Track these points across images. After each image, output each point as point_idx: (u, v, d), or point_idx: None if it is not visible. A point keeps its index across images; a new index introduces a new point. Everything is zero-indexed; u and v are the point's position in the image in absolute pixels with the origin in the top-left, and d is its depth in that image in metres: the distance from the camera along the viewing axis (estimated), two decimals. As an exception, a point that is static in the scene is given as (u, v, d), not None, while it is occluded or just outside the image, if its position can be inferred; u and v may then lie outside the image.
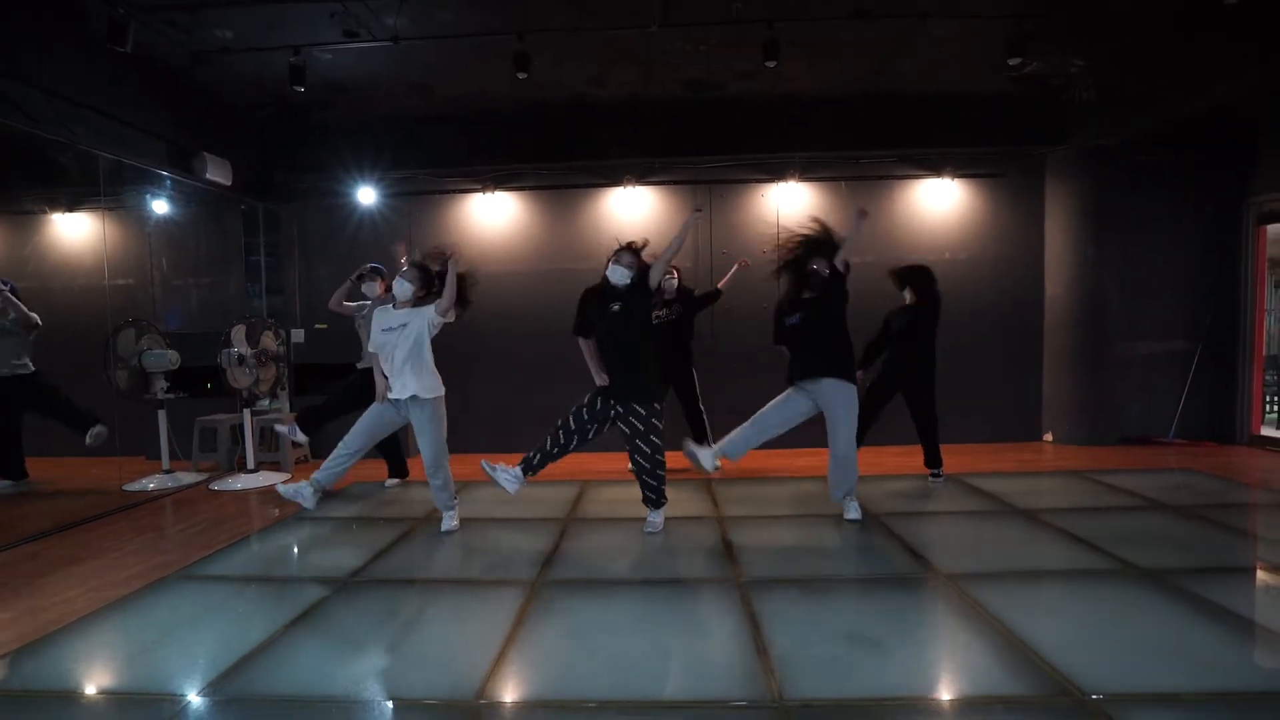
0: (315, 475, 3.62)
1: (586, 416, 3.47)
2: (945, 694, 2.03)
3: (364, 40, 4.26)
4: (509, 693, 2.07)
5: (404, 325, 3.51)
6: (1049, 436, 6.03)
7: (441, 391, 3.61)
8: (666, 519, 3.65)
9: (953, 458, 4.57)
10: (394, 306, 3.64)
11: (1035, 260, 6.04)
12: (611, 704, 1.95)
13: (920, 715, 1.90)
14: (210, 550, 3.42)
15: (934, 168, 5.95)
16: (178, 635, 2.48)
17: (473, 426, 6.14)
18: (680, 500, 4.11)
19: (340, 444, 3.63)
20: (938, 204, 5.99)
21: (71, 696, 2.10)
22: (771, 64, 4.22)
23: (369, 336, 3.81)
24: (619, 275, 3.42)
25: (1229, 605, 2.50)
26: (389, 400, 3.59)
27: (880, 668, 2.15)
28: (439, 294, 3.54)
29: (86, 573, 3.16)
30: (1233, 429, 5.73)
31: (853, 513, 3.68)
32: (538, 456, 3.52)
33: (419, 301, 3.59)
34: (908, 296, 4.47)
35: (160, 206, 6.07)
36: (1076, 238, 5.82)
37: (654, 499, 3.56)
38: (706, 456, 3.59)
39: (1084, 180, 5.77)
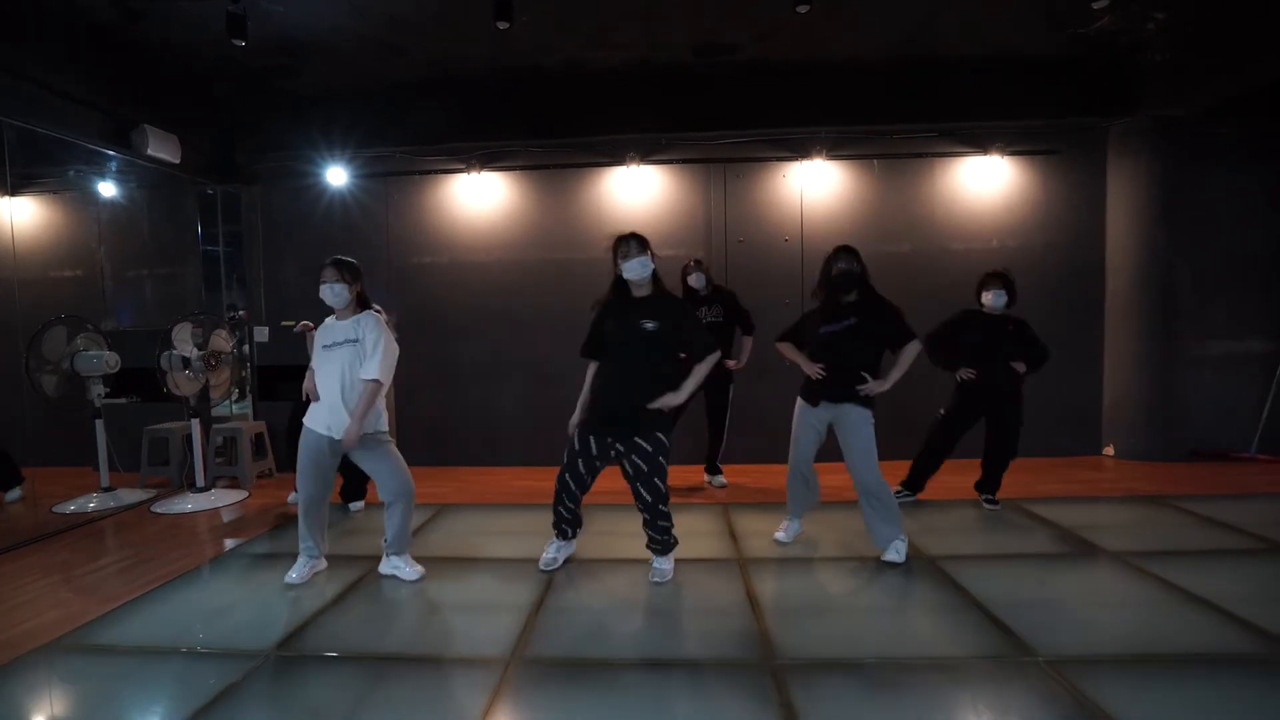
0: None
1: (584, 470, 2.88)
2: None
3: (317, -15, 3.59)
4: None
5: (351, 340, 2.85)
6: (1110, 450, 5.32)
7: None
8: (680, 560, 2.99)
9: (1004, 475, 3.89)
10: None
11: (1094, 248, 5.31)
12: None
13: None
14: (115, 603, 2.78)
15: (979, 144, 5.23)
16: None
17: (457, 434, 5.51)
18: (692, 533, 3.44)
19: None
20: (983, 185, 5.27)
21: None
22: (804, 8, 3.52)
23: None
24: (639, 269, 2.74)
25: None
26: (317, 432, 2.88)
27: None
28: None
29: (-43, 633, 2.54)
30: (1324, 442, 5.01)
31: (894, 554, 3.03)
32: (562, 521, 3.08)
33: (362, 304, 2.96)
34: (990, 300, 3.72)
35: (107, 189, 5.42)
36: (1143, 223, 5.09)
37: (662, 544, 2.95)
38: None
39: (1153, 157, 5.03)
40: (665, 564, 2.95)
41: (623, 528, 3.52)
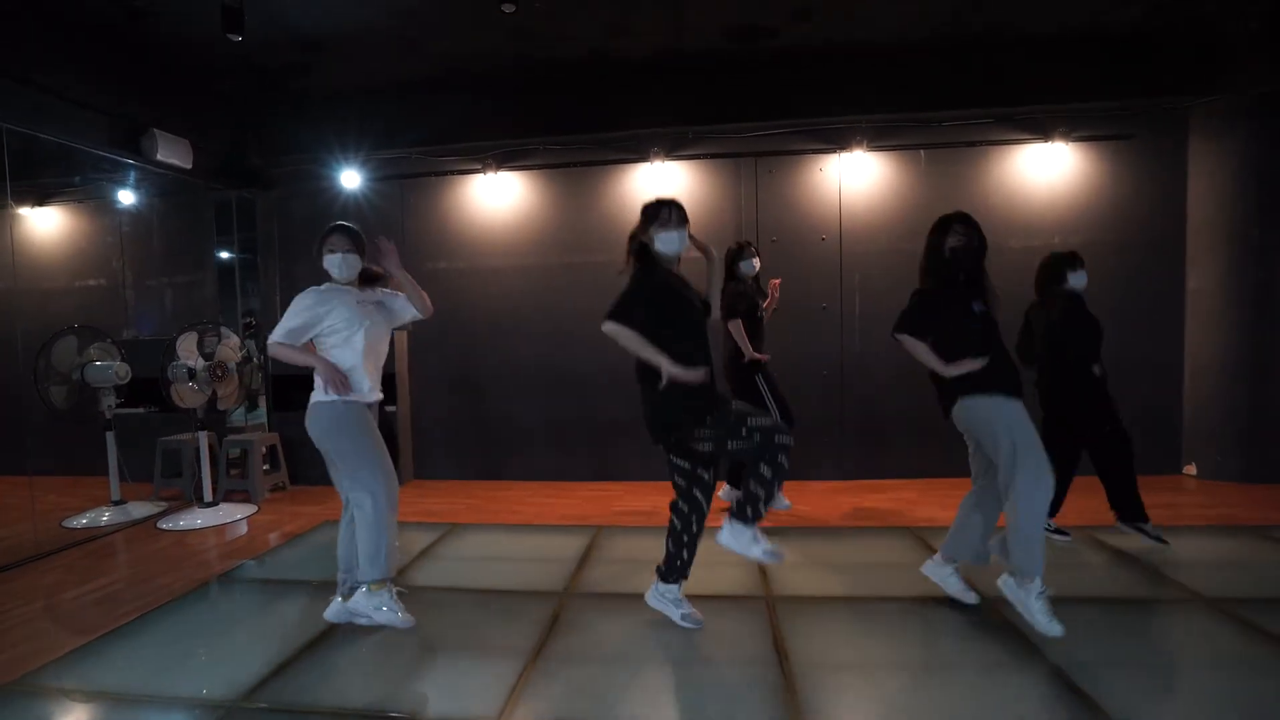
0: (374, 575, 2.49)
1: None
2: None
3: (317, -26, 3.38)
4: None
5: (379, 303, 2.74)
6: (1191, 469, 4.74)
7: None
8: (693, 597, 2.63)
9: (1073, 497, 3.40)
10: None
11: (1174, 244, 4.75)
12: None
13: None
14: (88, 636, 2.58)
15: (1040, 130, 4.73)
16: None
17: (473, 441, 5.28)
18: (712, 571, 3.08)
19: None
20: (1044, 175, 4.77)
21: None
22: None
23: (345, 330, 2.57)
24: (677, 243, 2.45)
25: None
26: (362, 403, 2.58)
27: None
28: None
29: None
30: None
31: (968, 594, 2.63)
32: (679, 559, 2.56)
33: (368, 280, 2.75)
34: (1078, 281, 3.26)
35: (126, 197, 5.39)
36: (1233, 215, 4.52)
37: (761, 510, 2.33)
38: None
39: (1246, 140, 4.46)
40: (752, 533, 2.31)
41: (641, 553, 3.19)
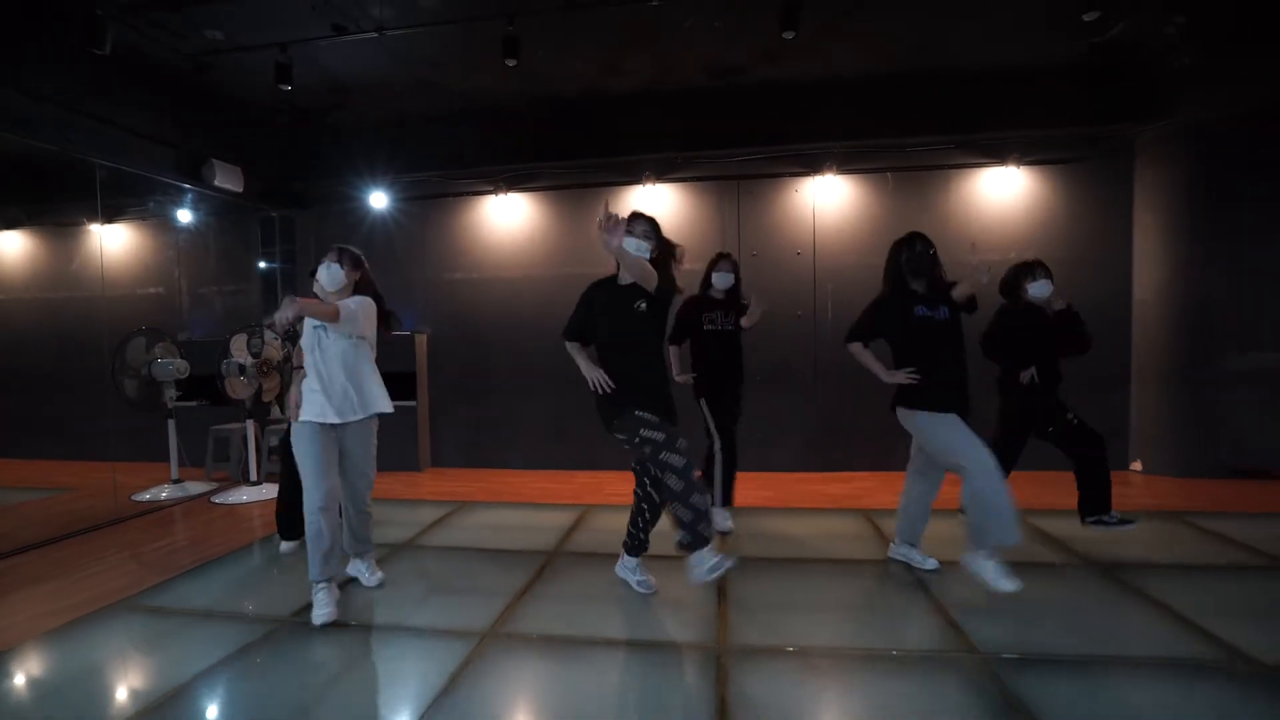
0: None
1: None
2: None
3: (351, 34, 4.03)
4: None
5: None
6: (1138, 465, 5.15)
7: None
8: (656, 557, 3.15)
9: (1021, 488, 3.83)
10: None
11: (1121, 260, 5.18)
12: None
13: None
14: (168, 575, 3.22)
15: (997, 154, 5.21)
16: (102, 672, 2.25)
17: (484, 433, 5.88)
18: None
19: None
20: (1000, 195, 5.24)
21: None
22: (789, 35, 3.69)
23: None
24: (634, 250, 2.59)
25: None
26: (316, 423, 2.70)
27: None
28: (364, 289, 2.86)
29: (41, 596, 3.02)
30: (1380, 461, 4.69)
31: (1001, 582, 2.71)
32: (637, 538, 2.91)
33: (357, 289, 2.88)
34: (1048, 293, 3.42)
35: (184, 215, 6.11)
36: (1174, 233, 4.94)
37: (703, 531, 2.49)
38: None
39: (1185, 165, 4.88)
40: (713, 558, 2.46)
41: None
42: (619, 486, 4.94)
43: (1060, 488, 3.87)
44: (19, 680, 2.28)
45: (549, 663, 2.33)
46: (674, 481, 2.48)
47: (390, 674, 2.30)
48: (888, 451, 5.20)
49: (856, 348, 2.97)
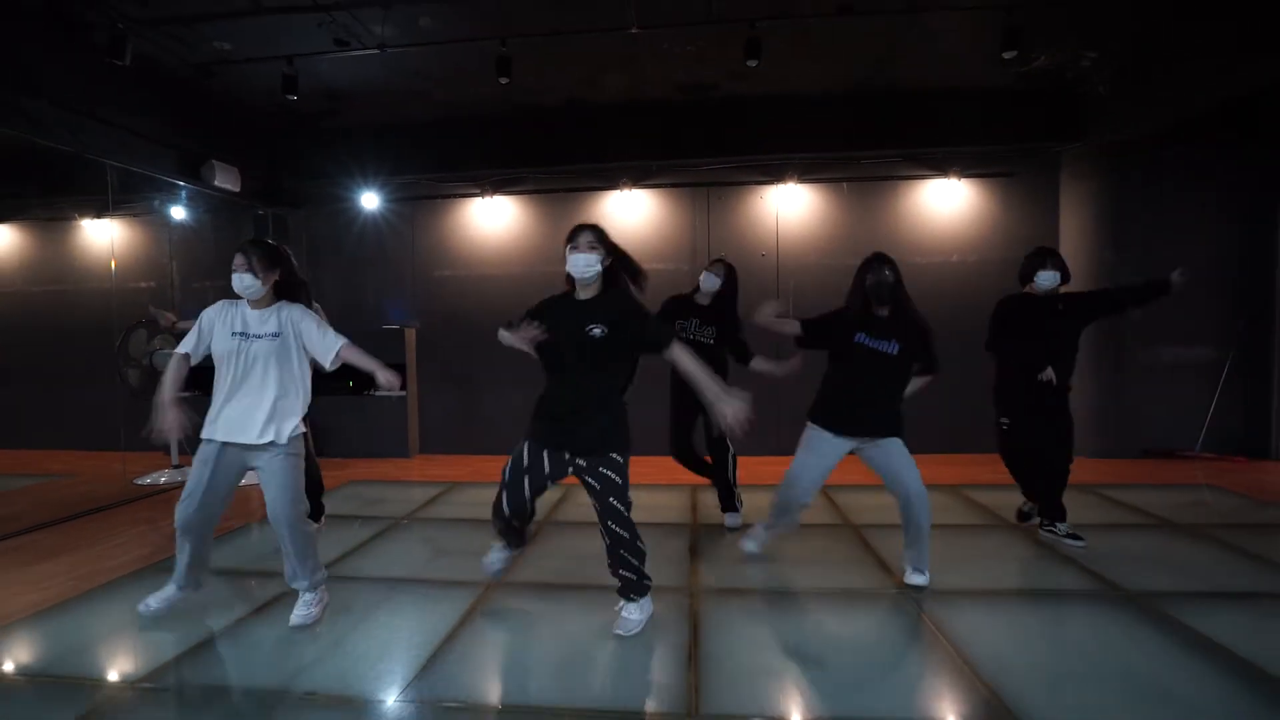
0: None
1: (532, 489, 2.42)
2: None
3: (354, 49, 4.36)
4: None
5: (274, 334, 2.48)
6: (1063, 447, 5.74)
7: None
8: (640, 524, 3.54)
9: (955, 469, 4.37)
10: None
11: (1049, 263, 5.77)
12: None
13: None
14: (190, 544, 3.53)
15: (940, 167, 5.76)
16: (144, 626, 2.57)
17: (471, 421, 6.22)
18: (654, 496, 4.05)
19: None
20: (944, 205, 5.80)
21: (31, 678, 2.19)
22: (753, 63, 4.15)
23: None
24: (582, 267, 2.34)
25: (1210, 633, 2.33)
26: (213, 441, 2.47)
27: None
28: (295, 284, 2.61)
29: (75, 562, 3.31)
30: (1267, 443, 5.36)
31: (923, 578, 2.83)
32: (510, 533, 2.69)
33: (280, 293, 2.56)
34: (1050, 283, 3.30)
35: (178, 213, 6.33)
36: (1093, 239, 5.55)
37: (637, 582, 2.43)
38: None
39: (1102, 179, 5.50)
40: (639, 613, 2.44)
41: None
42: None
43: (988, 468, 4.40)
44: (68, 632, 2.59)
45: (543, 603, 2.74)
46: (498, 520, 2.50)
47: (411, 613, 2.67)
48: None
49: (788, 324, 2.86)
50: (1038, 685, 2.02)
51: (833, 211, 5.88)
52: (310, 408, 2.63)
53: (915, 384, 2.86)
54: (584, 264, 2.35)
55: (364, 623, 2.58)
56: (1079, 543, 3.25)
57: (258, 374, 2.45)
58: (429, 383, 6.29)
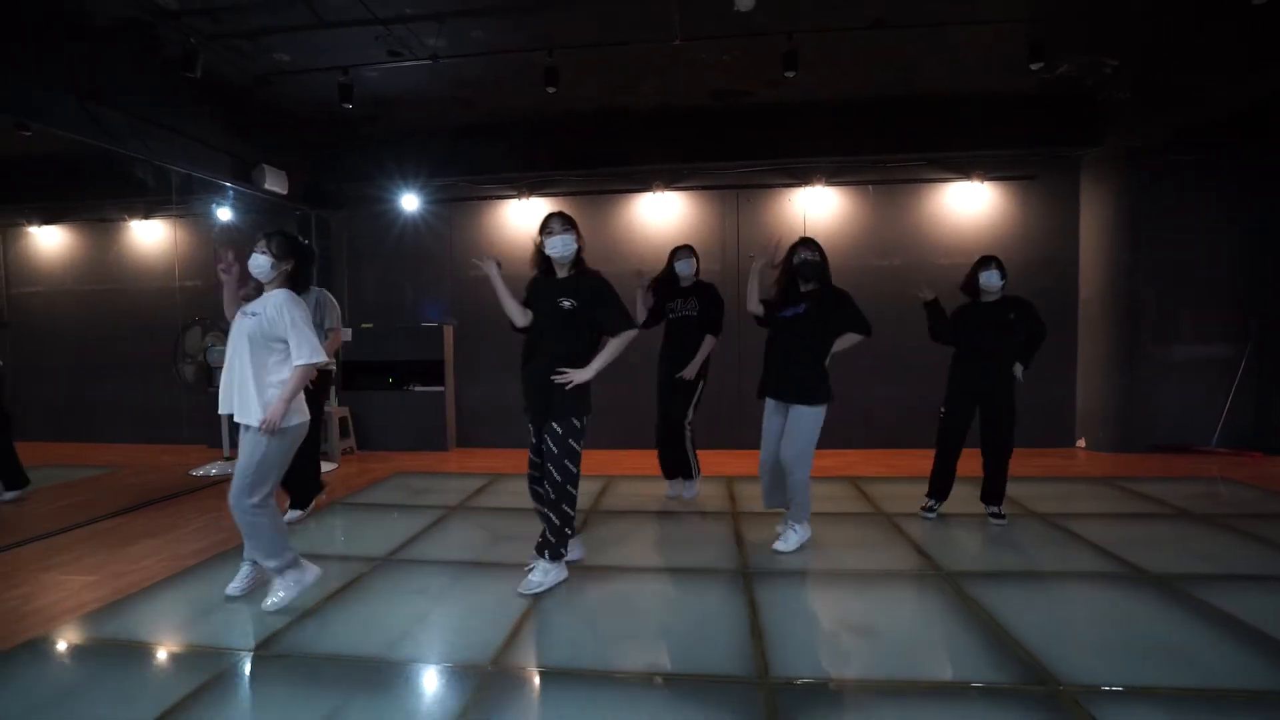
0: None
1: (535, 456, 2.93)
2: (922, 675, 2.15)
3: (406, 59, 4.56)
4: None
5: (254, 314, 2.53)
6: (1082, 443, 5.93)
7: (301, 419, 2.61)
8: (671, 513, 3.77)
9: (965, 462, 4.53)
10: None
11: (1069, 263, 5.95)
12: None
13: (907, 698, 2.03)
14: (264, 529, 3.76)
15: (963, 171, 5.93)
16: (237, 600, 2.80)
17: (512, 415, 6.42)
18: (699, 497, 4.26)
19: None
20: (967, 207, 5.97)
21: (145, 648, 2.42)
22: (791, 74, 4.33)
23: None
24: (560, 248, 2.70)
25: (1231, 610, 2.52)
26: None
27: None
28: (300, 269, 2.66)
29: (160, 545, 3.54)
30: (1279, 439, 5.53)
31: (786, 543, 3.25)
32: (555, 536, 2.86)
33: (292, 283, 2.64)
34: (994, 283, 3.62)
35: (224, 214, 6.56)
36: (1112, 241, 5.72)
37: (553, 545, 2.77)
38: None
39: (1120, 182, 5.66)
40: (544, 575, 2.75)
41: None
42: (635, 461, 5.56)
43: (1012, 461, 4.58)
44: (173, 608, 2.83)
45: (603, 582, 2.96)
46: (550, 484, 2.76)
47: (489, 589, 2.89)
48: (876, 430, 5.92)
49: (755, 306, 3.33)
50: (1075, 652, 2.22)
51: (859, 213, 6.06)
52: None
53: (845, 341, 3.16)
54: (562, 244, 2.71)
55: (443, 601, 2.79)
56: (1001, 521, 3.66)
57: (235, 349, 2.52)
58: (468, 378, 6.51)
